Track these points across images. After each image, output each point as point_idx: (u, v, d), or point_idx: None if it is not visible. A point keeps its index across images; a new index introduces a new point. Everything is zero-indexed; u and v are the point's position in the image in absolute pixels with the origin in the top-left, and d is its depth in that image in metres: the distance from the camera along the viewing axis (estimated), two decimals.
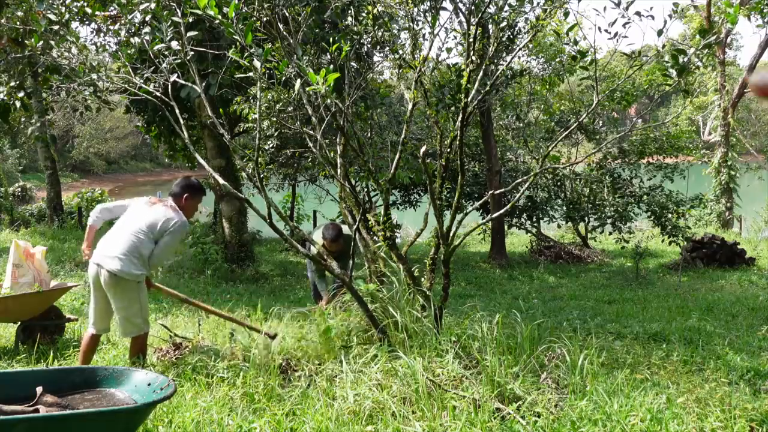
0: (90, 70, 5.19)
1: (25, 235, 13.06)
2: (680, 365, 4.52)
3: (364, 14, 6.62)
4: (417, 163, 8.60)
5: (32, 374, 3.19)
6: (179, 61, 4.41)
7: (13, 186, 24.55)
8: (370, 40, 6.45)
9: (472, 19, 4.46)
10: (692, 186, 15.79)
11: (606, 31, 3.83)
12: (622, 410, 3.34)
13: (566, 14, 4.43)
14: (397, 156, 4.75)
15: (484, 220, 5.19)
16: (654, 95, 16.70)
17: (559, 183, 13.74)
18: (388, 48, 5.94)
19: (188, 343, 4.70)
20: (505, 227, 13.63)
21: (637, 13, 3.78)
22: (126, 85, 4.74)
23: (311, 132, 4.60)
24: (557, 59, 13.70)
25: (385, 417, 3.36)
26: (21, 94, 11.15)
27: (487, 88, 5.03)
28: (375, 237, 5.19)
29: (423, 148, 4.42)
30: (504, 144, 14.34)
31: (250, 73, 3.90)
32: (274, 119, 6.45)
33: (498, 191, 5.01)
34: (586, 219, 13.57)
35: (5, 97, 10.95)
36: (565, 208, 13.49)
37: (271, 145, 9.92)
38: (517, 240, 16.07)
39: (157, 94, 4.43)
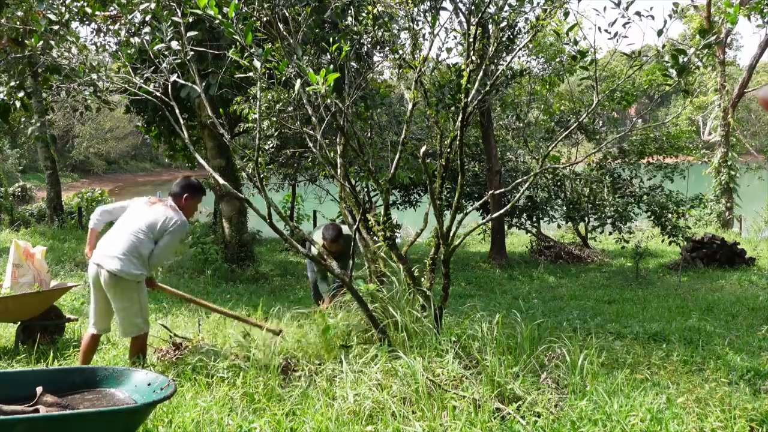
0: (90, 70, 5.19)
1: (25, 235, 13.06)
2: (680, 365, 4.52)
3: (364, 14, 6.62)
4: (417, 163, 8.60)
5: (32, 374, 3.19)
6: (179, 61, 4.40)
7: (13, 186, 24.55)
8: (370, 40, 6.45)
9: (472, 19, 4.46)
10: (692, 186, 15.78)
11: (606, 31, 3.82)
12: (622, 410, 3.34)
13: (566, 14, 4.43)
14: (397, 156, 4.75)
15: (484, 220, 5.19)
16: (654, 95, 16.71)
17: (559, 183, 13.73)
18: (388, 48, 5.94)
19: (188, 343, 4.70)
20: (505, 227, 13.63)
21: (637, 13, 3.78)
22: (126, 85, 4.74)
23: (311, 132, 4.60)
24: (557, 59, 13.70)
25: (385, 417, 3.36)
26: (21, 94, 11.15)
27: (487, 88, 5.03)
28: (375, 237, 5.19)
29: (423, 148, 4.42)
30: (504, 144, 14.33)
31: (250, 73, 3.90)
32: (274, 119, 6.45)
33: (498, 191, 5.00)
34: (586, 219, 13.57)
35: (5, 97, 10.95)
36: (565, 208, 13.49)
37: (271, 145, 9.91)
38: (517, 240, 16.07)
39: (157, 94, 4.43)
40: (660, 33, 3.65)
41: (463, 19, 5.47)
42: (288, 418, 3.41)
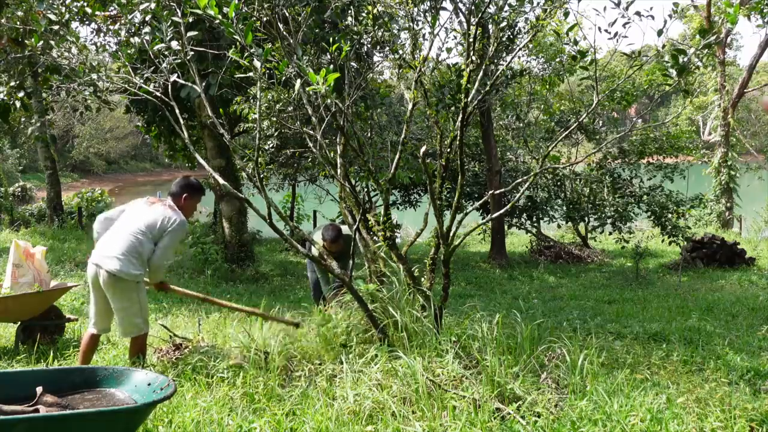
0: (90, 70, 5.18)
1: (25, 235, 13.06)
2: (680, 365, 4.52)
3: (364, 14, 6.62)
4: (417, 163, 8.60)
5: (32, 374, 3.19)
6: (179, 61, 4.40)
7: (13, 186, 24.54)
8: (370, 40, 6.45)
9: (472, 19, 4.45)
10: (692, 186, 15.79)
11: (606, 31, 3.82)
12: (622, 410, 3.34)
13: (566, 14, 4.43)
14: (397, 156, 4.75)
15: (484, 220, 5.19)
16: (654, 95, 16.71)
17: (559, 183, 13.73)
18: (388, 48, 5.94)
19: (188, 343, 4.70)
20: (505, 227, 13.63)
21: (637, 13, 3.78)
22: (126, 85, 4.74)
23: (311, 132, 4.60)
24: (557, 59, 13.69)
25: (385, 417, 3.36)
26: (21, 94, 11.15)
27: (487, 88, 5.02)
28: (375, 237, 5.19)
29: (423, 148, 4.42)
30: (504, 144, 14.34)
31: (250, 73, 3.90)
32: (274, 119, 6.45)
33: (498, 191, 5.00)
34: (586, 219, 13.57)
35: (5, 97, 10.95)
36: (565, 208, 13.49)
37: (271, 145, 9.92)
38: (517, 240, 16.07)
39: (157, 94, 4.43)
40: (660, 33, 3.65)
41: (463, 19, 5.47)
42: (288, 418, 3.41)
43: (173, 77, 4.37)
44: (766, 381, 4.16)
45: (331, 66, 5.34)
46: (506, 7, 4.90)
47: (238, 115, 7.64)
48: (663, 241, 12.56)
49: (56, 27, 7.68)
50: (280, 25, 4.33)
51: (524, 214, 13.71)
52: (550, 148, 4.93)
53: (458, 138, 4.32)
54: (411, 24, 5.18)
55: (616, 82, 12.62)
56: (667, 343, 5.29)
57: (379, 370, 3.81)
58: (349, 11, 7.07)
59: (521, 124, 14.37)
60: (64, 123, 37.81)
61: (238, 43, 3.71)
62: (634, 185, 13.04)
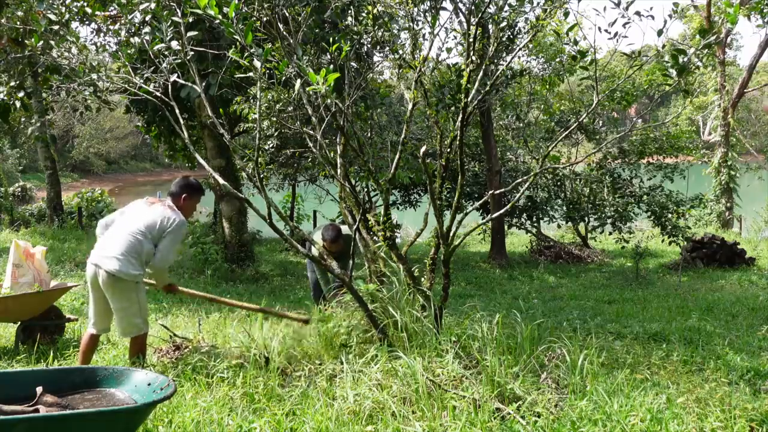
0: (90, 70, 5.18)
1: (25, 235, 13.06)
2: (680, 365, 4.52)
3: (364, 14, 6.62)
4: (417, 163, 8.60)
5: (32, 374, 3.19)
6: (179, 61, 4.40)
7: (13, 186, 24.54)
8: (370, 40, 6.45)
9: (472, 19, 4.45)
10: (692, 186, 15.79)
11: (606, 31, 3.82)
12: (622, 410, 3.34)
13: (566, 14, 4.43)
14: (397, 156, 4.75)
15: (484, 220, 5.19)
16: (654, 95, 16.71)
17: (559, 183, 13.73)
18: (388, 48, 5.94)
19: (188, 343, 4.70)
20: (505, 227, 13.63)
21: (637, 13, 3.78)
22: (126, 85, 4.74)
23: (311, 132, 4.60)
24: (557, 59, 13.69)
25: (385, 417, 3.36)
26: (21, 94, 11.15)
27: (487, 88, 5.02)
28: (375, 237, 5.19)
29: (423, 148, 4.41)
30: (504, 144, 14.33)
31: (250, 73, 3.90)
32: (274, 119, 6.45)
33: (498, 191, 5.00)
34: (586, 219, 13.57)
35: (5, 97, 10.95)
36: (565, 208, 13.49)
37: (271, 145, 9.92)
38: (517, 240, 16.07)
39: (157, 94, 4.43)
40: (660, 33, 3.65)
41: (463, 19, 5.47)
42: (288, 418, 3.41)
43: (173, 77, 4.37)
44: (766, 381, 4.16)
45: (331, 66, 5.34)
46: (506, 7, 4.90)
47: (238, 115, 7.64)
48: (663, 241, 12.57)
49: (56, 27, 7.68)
50: (280, 25, 4.33)
51: (524, 214, 13.71)
52: (550, 148, 4.93)
53: (458, 138, 4.32)
54: (411, 24, 5.18)
55: (616, 82, 12.62)
56: (667, 343, 5.29)
57: (379, 370, 3.81)
58: (349, 11, 7.07)
59: (521, 124, 14.37)
60: (64, 123, 37.81)
61: (238, 43, 3.71)
62: (634, 185, 13.04)
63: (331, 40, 4.75)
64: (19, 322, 4.97)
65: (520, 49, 6.65)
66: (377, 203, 12.21)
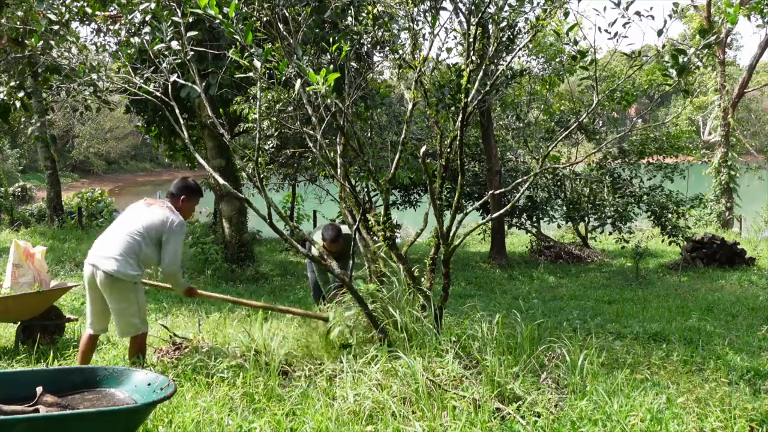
0: (90, 70, 5.18)
1: (25, 235, 13.06)
2: (680, 365, 4.52)
3: (364, 14, 6.62)
4: (417, 163, 8.59)
5: (32, 374, 3.19)
6: (179, 61, 4.40)
7: (13, 186, 24.54)
8: (370, 40, 6.45)
9: (472, 19, 4.45)
10: (692, 186, 15.79)
11: (606, 31, 3.82)
12: (622, 410, 3.34)
13: (566, 14, 4.43)
14: (397, 156, 4.75)
15: (484, 220, 5.19)
16: (654, 95, 16.72)
17: (559, 183, 13.73)
18: (388, 48, 5.94)
19: (188, 343, 4.70)
20: (505, 227, 13.63)
21: (637, 13, 3.78)
22: (126, 85, 4.74)
23: (311, 132, 4.60)
24: (557, 59, 13.69)
25: (385, 417, 3.36)
26: (21, 94, 11.15)
27: (487, 88, 5.03)
28: (375, 237, 5.19)
29: (423, 148, 4.41)
30: (504, 144, 14.33)
31: (250, 73, 3.90)
32: (274, 119, 6.45)
33: (498, 191, 5.00)
34: (586, 219, 13.57)
35: (5, 97, 10.95)
36: (565, 208, 13.49)
37: (271, 145, 9.92)
38: (517, 240, 16.07)
39: (157, 94, 4.43)
40: (660, 33, 3.65)
41: (463, 19, 5.47)
42: (288, 418, 3.41)
43: (173, 77, 4.37)
44: (766, 381, 4.16)
45: (331, 66, 5.34)
46: (506, 7, 4.90)
47: (238, 115, 7.64)
48: (663, 241, 12.56)
49: (56, 27, 7.68)
50: (280, 25, 4.33)
51: (524, 214, 13.71)
52: (550, 148, 4.93)
53: (458, 138, 4.32)
54: (411, 24, 5.18)
55: (616, 82, 12.62)
56: (667, 343, 5.29)
57: (379, 370, 3.81)
58: (349, 11, 7.07)
59: (521, 124, 14.37)
60: (64, 123, 37.82)
61: (238, 43, 3.71)
62: (634, 185, 13.04)
63: (331, 40, 4.74)
64: (19, 322, 4.97)
65: (520, 49, 6.65)
66: (377, 203, 12.22)
